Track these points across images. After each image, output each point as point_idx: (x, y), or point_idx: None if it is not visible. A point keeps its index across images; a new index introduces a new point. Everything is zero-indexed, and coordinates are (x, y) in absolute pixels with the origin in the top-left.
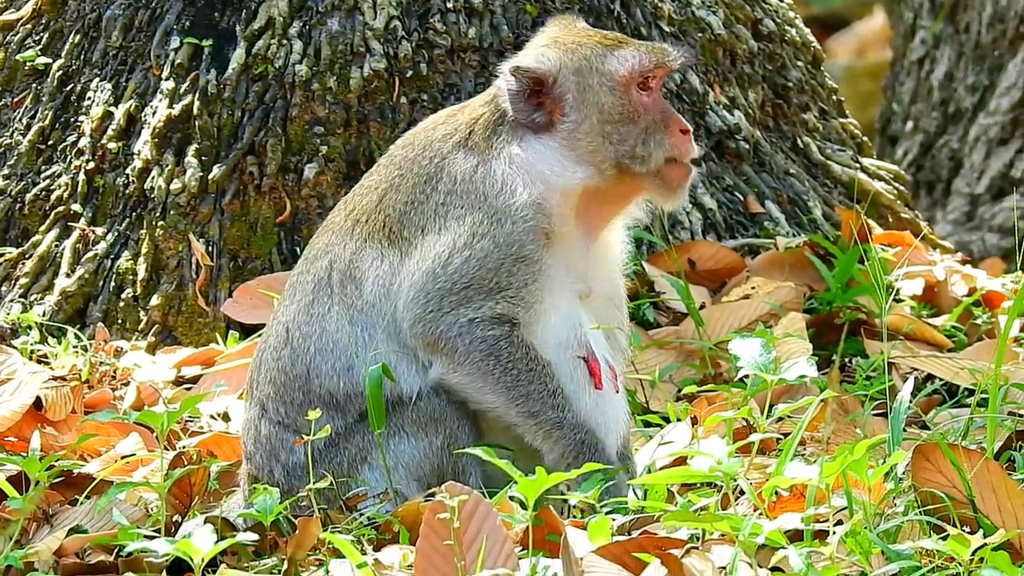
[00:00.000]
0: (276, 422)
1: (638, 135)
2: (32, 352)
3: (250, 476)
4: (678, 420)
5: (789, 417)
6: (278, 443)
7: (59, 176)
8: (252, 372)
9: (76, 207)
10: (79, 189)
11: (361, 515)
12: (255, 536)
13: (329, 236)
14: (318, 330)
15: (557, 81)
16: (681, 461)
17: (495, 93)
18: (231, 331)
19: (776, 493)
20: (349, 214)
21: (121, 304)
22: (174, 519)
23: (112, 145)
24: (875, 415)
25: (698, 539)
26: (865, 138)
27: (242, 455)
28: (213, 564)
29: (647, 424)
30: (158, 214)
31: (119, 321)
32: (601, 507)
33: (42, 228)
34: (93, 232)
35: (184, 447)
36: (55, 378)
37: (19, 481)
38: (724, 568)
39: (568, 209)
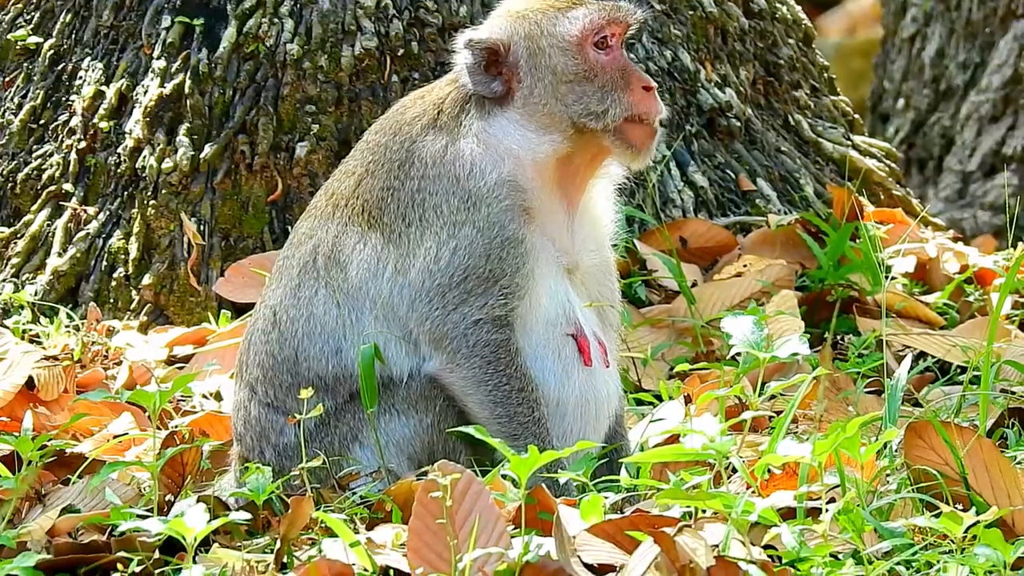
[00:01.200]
0: (266, 404)
1: (594, 93)
2: (24, 332)
3: (241, 457)
4: (670, 398)
5: (781, 395)
6: (268, 424)
7: (51, 155)
8: (241, 354)
9: (68, 186)
10: (71, 168)
11: (353, 494)
12: (248, 515)
13: (312, 221)
14: (305, 313)
15: (510, 49)
16: (674, 439)
17: (458, 71)
18: (223, 310)
19: (769, 471)
20: (330, 199)
21: (113, 283)
22: (167, 498)
23: (103, 124)
24: (867, 392)
25: (691, 517)
26: (856, 116)
27: (233, 436)
28: (206, 543)
29: (639, 402)
30: (149, 193)
31: (111, 300)
32: (595, 484)
33: (34, 208)
34: (85, 211)
35: (176, 426)
36: (47, 358)
37: (11, 461)
38: (717, 546)
39: (543, 181)
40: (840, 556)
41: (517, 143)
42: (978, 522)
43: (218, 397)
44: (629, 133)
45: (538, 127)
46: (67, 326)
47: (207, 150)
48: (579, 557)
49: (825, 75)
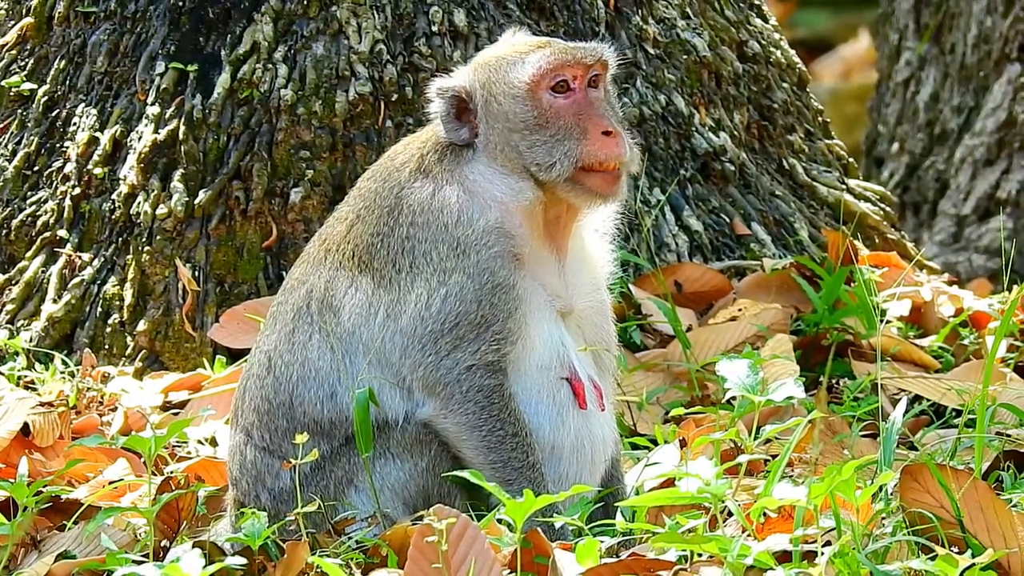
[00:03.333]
0: (261, 448)
1: (544, 143)
2: (19, 378)
3: (236, 502)
4: (666, 442)
5: (777, 438)
6: (264, 468)
7: (45, 202)
8: (237, 400)
9: (62, 233)
10: (65, 215)
11: (349, 539)
12: (243, 560)
13: (305, 267)
14: (300, 358)
15: (472, 97)
16: (669, 483)
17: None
18: (218, 356)
19: (764, 514)
20: (322, 244)
21: (108, 330)
22: (162, 544)
23: (98, 171)
24: (863, 436)
25: (686, 560)
26: (851, 159)
27: (228, 481)
28: None
29: (635, 446)
30: (144, 239)
31: (106, 347)
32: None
33: (28, 254)
34: (79, 258)
35: (172, 472)
36: (42, 404)
37: (7, 507)
38: None
39: (531, 227)
40: None
41: (500, 190)
42: (974, 565)
43: (213, 443)
44: (587, 182)
45: (513, 174)
46: (62, 372)
47: (201, 196)
48: None
49: (819, 119)
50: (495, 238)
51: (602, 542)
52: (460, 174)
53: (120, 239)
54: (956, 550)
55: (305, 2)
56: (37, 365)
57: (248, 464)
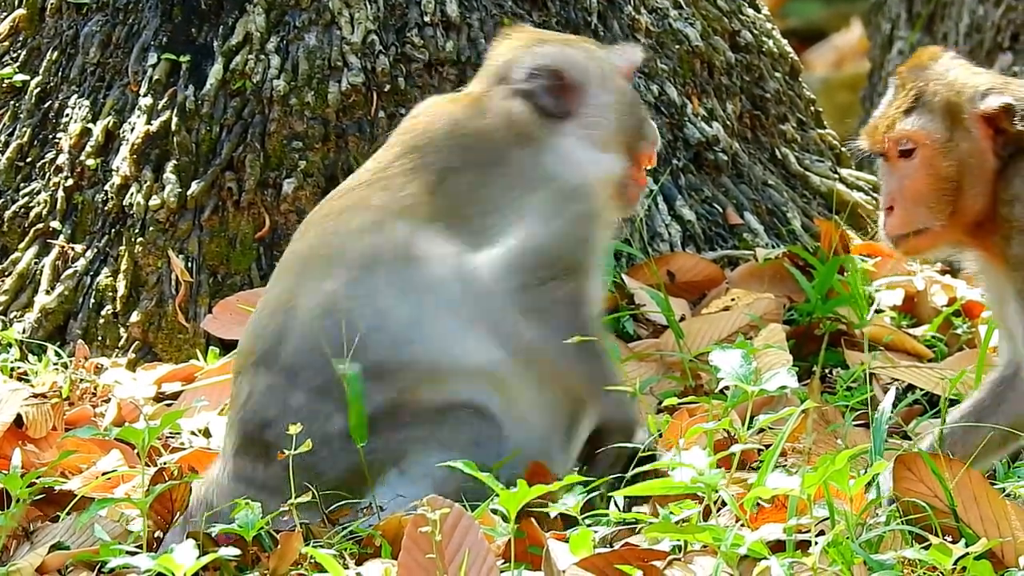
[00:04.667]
0: (311, 389)
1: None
2: (12, 370)
3: (270, 445)
4: (659, 432)
5: (770, 428)
6: (315, 411)
7: (38, 193)
8: (269, 341)
9: (55, 224)
10: (58, 206)
11: (343, 529)
12: (237, 551)
13: (370, 214)
14: (371, 304)
15: (568, 75)
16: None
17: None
18: (211, 347)
19: (758, 504)
20: (396, 193)
21: (101, 321)
22: (156, 535)
23: (91, 162)
24: (856, 425)
25: (680, 550)
26: (843, 148)
27: (239, 433)
28: None
29: None
30: (137, 230)
31: (99, 338)
32: (583, 518)
33: (21, 245)
34: (72, 249)
35: (165, 463)
36: (35, 395)
37: (0, 499)
38: None
39: (607, 197)
40: None
41: (588, 159)
42: (967, 554)
43: (206, 434)
44: (630, 188)
45: (601, 148)
46: (55, 364)
47: (194, 187)
48: None
49: (812, 108)
50: (587, 196)
51: (596, 532)
52: (555, 143)
53: (113, 230)
54: (950, 539)
55: None
56: (30, 356)
57: (293, 406)
